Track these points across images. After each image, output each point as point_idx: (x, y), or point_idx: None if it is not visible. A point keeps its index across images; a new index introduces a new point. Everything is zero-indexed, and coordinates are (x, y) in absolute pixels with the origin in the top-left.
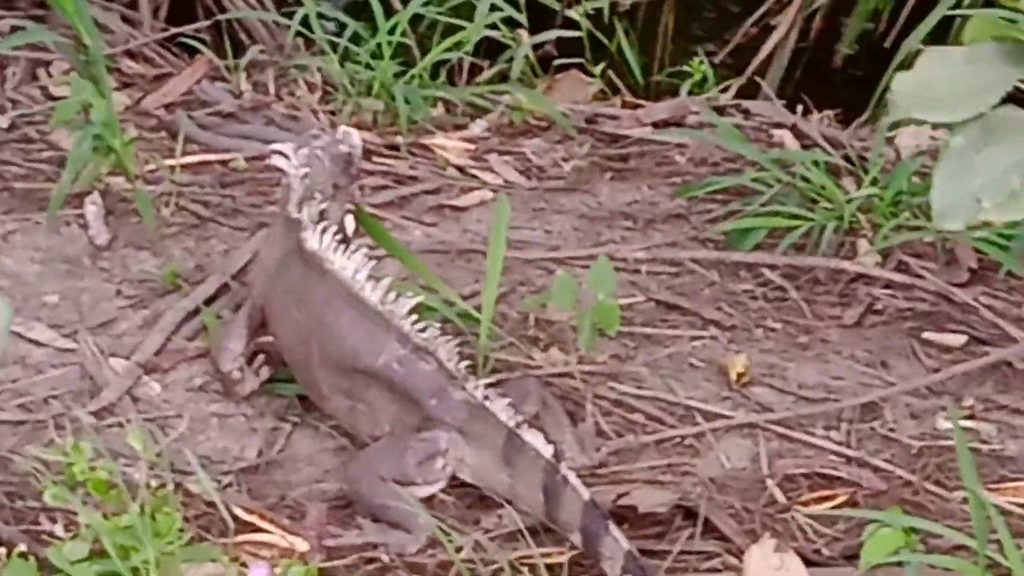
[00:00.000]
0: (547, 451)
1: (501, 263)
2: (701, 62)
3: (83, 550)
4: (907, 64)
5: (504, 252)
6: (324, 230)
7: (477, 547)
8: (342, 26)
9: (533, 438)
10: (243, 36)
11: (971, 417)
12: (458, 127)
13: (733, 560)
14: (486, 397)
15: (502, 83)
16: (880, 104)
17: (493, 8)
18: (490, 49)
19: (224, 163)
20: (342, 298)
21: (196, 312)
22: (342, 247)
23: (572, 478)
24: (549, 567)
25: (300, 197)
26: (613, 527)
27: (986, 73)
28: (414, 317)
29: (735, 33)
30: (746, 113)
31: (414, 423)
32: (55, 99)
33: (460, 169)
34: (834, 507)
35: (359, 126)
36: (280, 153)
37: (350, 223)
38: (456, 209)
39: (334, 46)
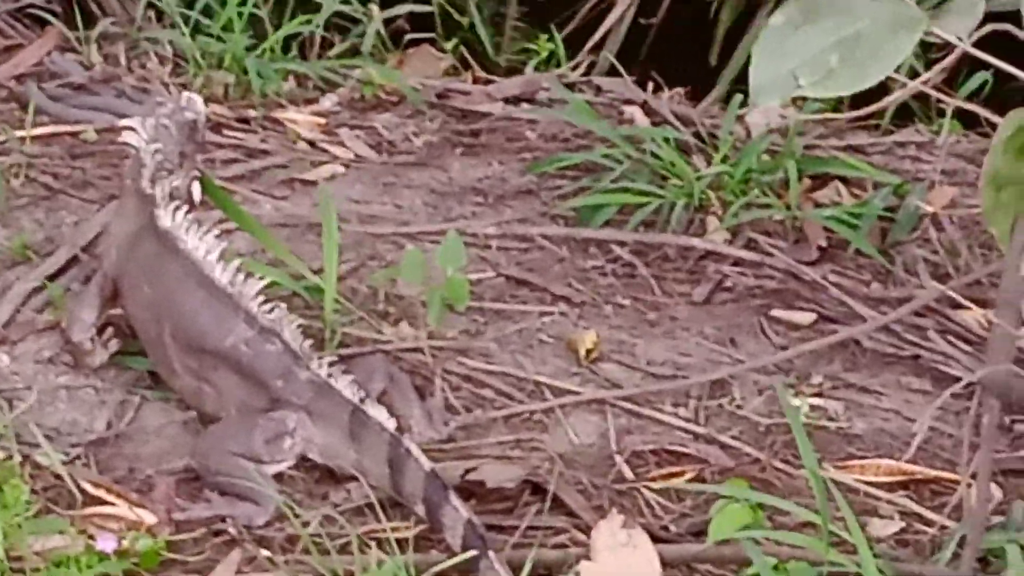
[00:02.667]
0: (391, 424)
1: (337, 236)
2: (549, 38)
3: None
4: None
5: (346, 224)
6: (177, 208)
7: (325, 521)
8: None
9: (377, 412)
10: (94, 7)
11: (819, 395)
12: (309, 101)
13: (581, 536)
14: (330, 375)
15: (354, 57)
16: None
17: None
18: (342, 23)
19: (74, 135)
20: (193, 278)
21: (45, 285)
22: (195, 226)
23: (414, 450)
24: (397, 542)
25: (152, 172)
26: (454, 497)
27: None
28: (262, 298)
29: (580, 10)
30: (597, 90)
31: (261, 405)
32: None
33: (311, 143)
34: (682, 483)
35: (210, 99)
36: (130, 128)
37: (196, 191)
38: (306, 183)
39: (185, 18)
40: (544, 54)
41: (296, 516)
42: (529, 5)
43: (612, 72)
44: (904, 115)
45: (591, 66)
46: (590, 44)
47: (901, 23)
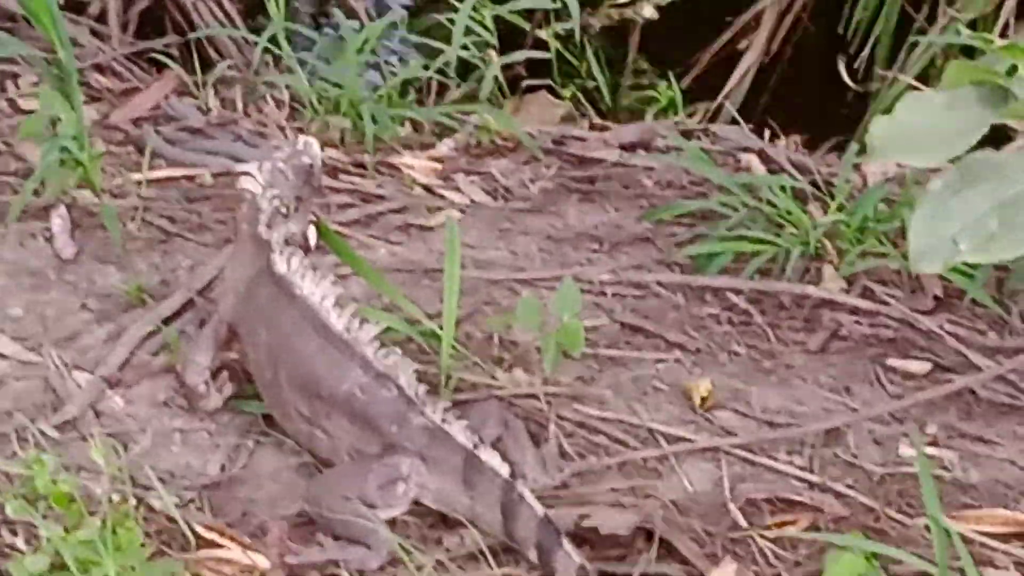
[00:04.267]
0: (504, 470)
1: (458, 282)
2: (669, 86)
3: (43, 563)
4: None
5: (462, 270)
6: (293, 253)
7: (439, 566)
8: (312, 43)
9: (490, 458)
10: (211, 52)
11: (934, 444)
12: (425, 146)
13: None
14: (445, 421)
15: (470, 103)
16: (852, 132)
17: (468, 31)
18: (460, 69)
19: (191, 178)
20: (309, 323)
21: (160, 328)
22: (311, 271)
23: (528, 495)
24: None
25: (268, 217)
26: (566, 542)
27: (963, 116)
28: (377, 344)
29: (702, 57)
30: (713, 137)
31: (375, 450)
32: (23, 112)
33: (427, 188)
34: (796, 531)
35: (326, 144)
36: (247, 174)
37: (312, 236)
38: (422, 228)
39: (303, 63)
40: (664, 101)
41: (410, 561)
42: (648, 52)
43: (728, 119)
44: None
45: (708, 113)
46: (723, 94)
47: None
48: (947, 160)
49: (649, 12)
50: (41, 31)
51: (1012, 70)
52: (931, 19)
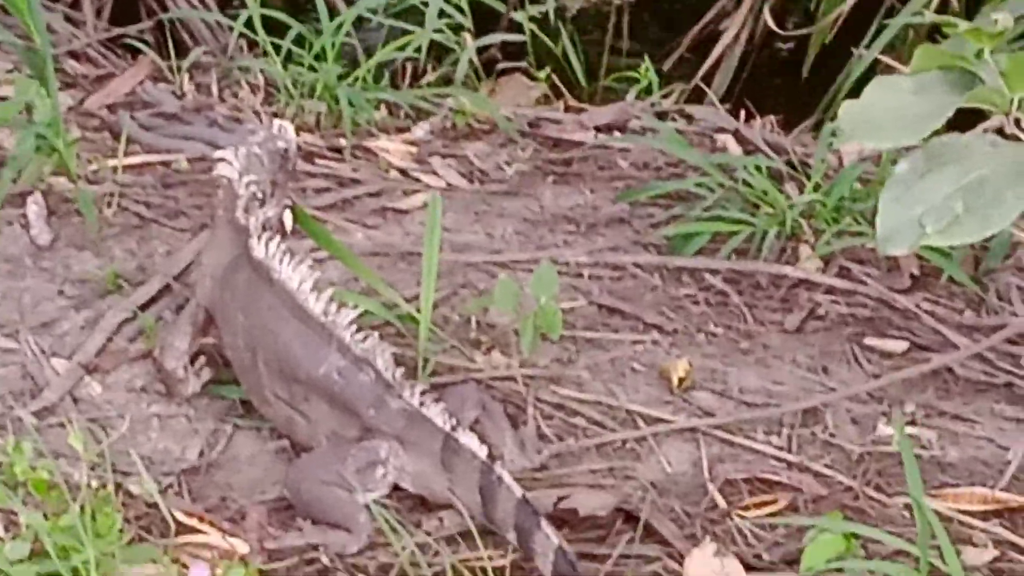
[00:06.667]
0: (482, 452)
1: (436, 265)
2: (647, 68)
3: (24, 550)
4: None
5: (439, 253)
6: (270, 238)
7: (419, 549)
8: (286, 28)
9: (468, 441)
10: (186, 37)
11: (912, 423)
12: (401, 130)
13: (674, 564)
14: (422, 404)
15: (446, 86)
16: (825, 111)
17: (441, 14)
18: (434, 51)
19: (166, 164)
20: (287, 308)
21: (137, 314)
22: (288, 256)
23: (506, 477)
24: (492, 569)
25: (245, 202)
26: (545, 524)
27: (930, 101)
28: (355, 327)
29: (681, 40)
30: (689, 118)
31: (353, 434)
32: None
33: (403, 172)
34: (775, 512)
35: (302, 128)
36: (223, 160)
37: (288, 220)
38: (398, 212)
39: (277, 48)
40: (643, 83)
41: (389, 544)
42: (629, 35)
43: (701, 100)
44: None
45: (683, 94)
46: (700, 73)
47: (1022, 170)
48: (914, 143)
49: None
50: (17, 17)
51: (979, 54)
52: None
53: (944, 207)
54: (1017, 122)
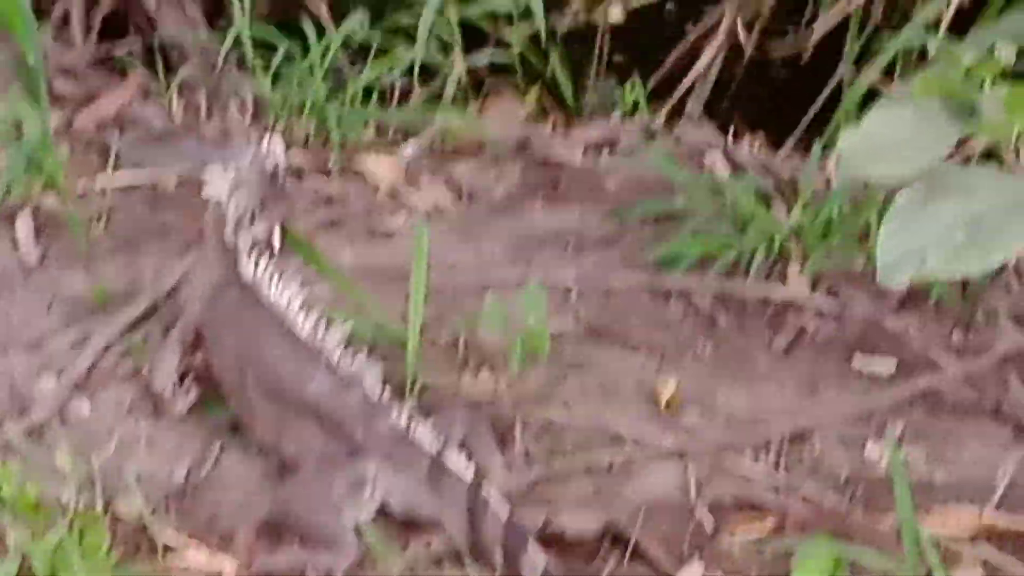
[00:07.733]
0: (470, 473)
1: (424, 289)
2: (634, 87)
3: (11, 570)
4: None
5: (426, 278)
6: (259, 257)
7: (407, 570)
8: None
9: (456, 461)
10: (175, 55)
11: (900, 444)
12: (390, 148)
13: None
14: (410, 423)
15: (434, 105)
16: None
17: (431, 33)
18: (423, 71)
19: (155, 183)
20: (275, 328)
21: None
22: (277, 275)
23: (494, 498)
24: None
25: (235, 221)
26: (532, 545)
27: (931, 130)
28: (344, 347)
29: (667, 59)
30: (677, 137)
31: (341, 454)
32: None
33: (391, 191)
34: (763, 534)
35: (290, 147)
36: (212, 179)
37: (277, 238)
38: (387, 231)
39: (266, 66)
40: (630, 102)
41: (376, 564)
42: (616, 54)
43: (694, 117)
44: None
45: (667, 109)
46: (679, 92)
47: (1022, 203)
48: (915, 175)
49: (616, 16)
50: (14, 35)
51: (980, 84)
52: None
53: (945, 238)
54: (1017, 152)
